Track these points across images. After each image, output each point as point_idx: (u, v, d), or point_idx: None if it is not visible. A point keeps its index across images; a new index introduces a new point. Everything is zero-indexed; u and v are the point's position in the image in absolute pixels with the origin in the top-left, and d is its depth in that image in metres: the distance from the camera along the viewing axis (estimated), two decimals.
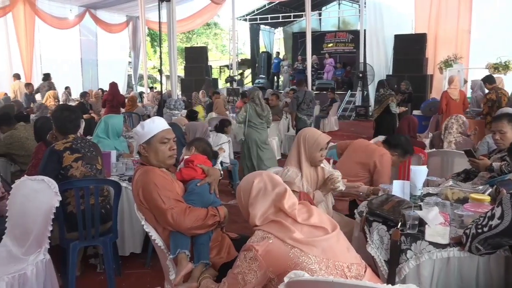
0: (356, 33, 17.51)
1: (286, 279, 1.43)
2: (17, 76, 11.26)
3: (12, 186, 2.74)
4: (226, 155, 5.80)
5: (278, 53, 20.01)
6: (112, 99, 8.92)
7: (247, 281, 1.64)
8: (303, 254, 1.61)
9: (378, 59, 14.15)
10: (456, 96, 7.21)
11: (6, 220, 2.71)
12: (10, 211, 2.69)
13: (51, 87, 11.03)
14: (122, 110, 9.11)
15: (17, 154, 4.35)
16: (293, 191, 2.66)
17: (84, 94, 10.78)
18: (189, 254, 2.09)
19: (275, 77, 18.67)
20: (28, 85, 11.42)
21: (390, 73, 12.87)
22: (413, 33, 13.26)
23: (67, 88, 12.30)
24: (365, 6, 14.80)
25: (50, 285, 2.58)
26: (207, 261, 2.10)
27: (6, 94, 11.17)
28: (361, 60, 14.37)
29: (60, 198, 2.58)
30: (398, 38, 12.62)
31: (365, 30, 14.62)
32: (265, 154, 5.96)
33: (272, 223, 1.73)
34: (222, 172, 2.47)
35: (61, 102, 10.38)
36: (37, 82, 12.97)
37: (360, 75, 13.76)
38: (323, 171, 2.82)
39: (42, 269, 2.53)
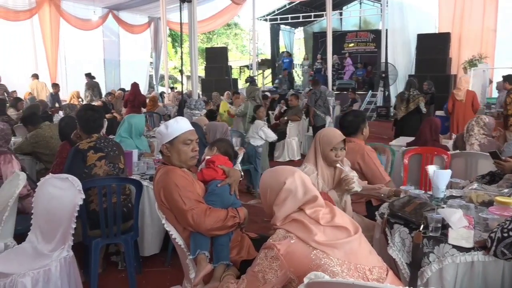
0: (377, 33, 17.29)
1: (306, 280, 1.42)
2: (35, 76, 11.49)
3: (37, 184, 2.81)
4: (271, 135, 6.15)
5: (288, 52, 19.77)
6: (134, 99, 9.05)
7: (267, 280, 1.63)
8: (325, 256, 1.60)
9: (400, 58, 13.97)
10: (461, 97, 7.15)
11: (32, 217, 2.78)
12: (35, 208, 2.76)
13: (95, 87, 11.47)
14: (144, 110, 9.24)
15: (42, 152, 4.46)
16: None
17: (108, 94, 10.98)
18: (209, 255, 2.10)
19: (287, 76, 18.53)
20: (55, 85, 11.72)
21: (412, 73, 12.66)
22: (437, 32, 13.02)
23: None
24: (387, 6, 14.61)
25: (74, 281, 2.63)
26: (227, 262, 2.10)
27: (31, 94, 11.47)
28: (383, 60, 14.19)
29: (84, 196, 2.64)
30: (421, 38, 12.40)
31: (386, 30, 14.44)
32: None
33: (294, 223, 1.71)
34: (242, 173, 2.47)
35: (85, 102, 10.63)
36: (61, 82, 13.30)
37: (383, 75, 13.58)
38: (340, 171, 2.80)
39: (66, 266, 2.59)
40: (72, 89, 12.24)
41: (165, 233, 3.45)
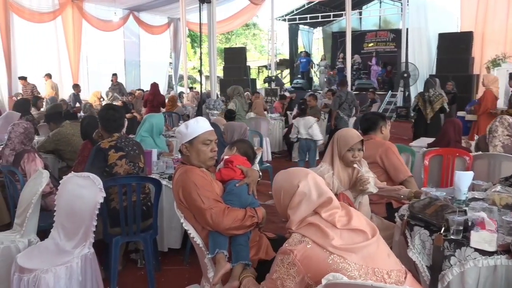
0: (397, 32, 17.07)
1: (324, 281, 1.42)
2: (49, 76, 11.65)
3: (59, 182, 2.87)
4: (318, 134, 6.35)
5: (306, 52, 19.65)
6: (153, 99, 9.15)
7: (285, 286, 1.61)
8: (342, 261, 1.57)
9: (421, 58, 13.75)
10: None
11: (54, 214, 2.84)
12: (58, 205, 2.82)
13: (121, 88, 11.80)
14: (163, 110, 9.33)
15: (64, 150, 4.55)
16: None
17: (128, 94, 11.15)
18: (227, 254, 2.10)
19: (304, 76, 18.41)
20: (76, 86, 11.95)
21: (434, 72, 12.46)
22: (459, 31, 12.77)
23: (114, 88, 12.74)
24: (407, 4, 14.40)
25: (94, 278, 2.68)
26: (246, 261, 2.10)
27: (54, 94, 11.71)
28: (403, 59, 14.00)
29: (105, 195, 2.68)
30: (443, 37, 12.19)
31: (407, 29, 14.23)
32: None
33: (310, 226, 1.68)
34: (261, 173, 2.48)
35: (106, 101, 10.80)
36: (83, 82, 13.56)
37: (405, 75, 13.37)
38: (357, 172, 2.78)
39: (87, 262, 2.63)
40: (94, 89, 12.50)
41: (184, 231, 3.49)
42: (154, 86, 9.46)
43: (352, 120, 8.17)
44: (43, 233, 2.99)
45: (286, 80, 20.90)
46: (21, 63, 11.57)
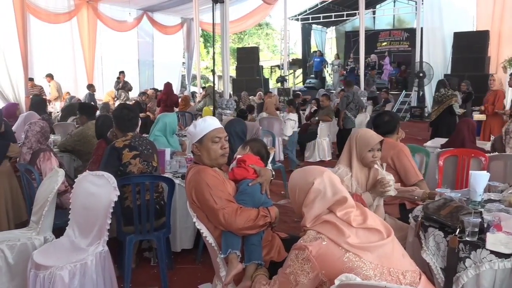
0: (411, 31, 16.89)
1: (337, 282, 1.41)
2: (51, 77, 11.54)
3: (74, 180, 2.91)
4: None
5: (320, 51, 19.54)
6: (167, 99, 9.21)
7: (298, 282, 1.61)
8: (358, 259, 1.56)
9: (435, 58, 13.57)
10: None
11: (69, 212, 2.88)
12: (73, 204, 2.86)
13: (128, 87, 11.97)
14: (176, 109, 9.38)
15: (83, 150, 4.60)
16: None
17: (142, 94, 11.22)
18: (240, 254, 2.11)
19: (317, 76, 18.31)
20: (90, 86, 12.08)
21: (448, 72, 12.30)
22: (475, 30, 12.58)
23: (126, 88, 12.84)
24: (422, 3, 14.24)
25: (108, 275, 2.71)
26: (259, 261, 2.10)
27: (69, 93, 11.86)
28: (417, 59, 13.85)
29: (119, 193, 2.71)
30: (458, 36, 12.03)
31: (422, 28, 14.08)
32: None
33: (325, 224, 1.68)
34: (273, 173, 2.47)
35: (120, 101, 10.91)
36: (97, 82, 13.71)
37: (421, 74, 13.21)
38: (375, 173, 2.75)
39: (101, 260, 2.66)
40: (108, 89, 12.63)
41: (197, 230, 3.51)
42: (168, 85, 9.53)
43: (362, 119, 8.18)
44: (58, 230, 3.03)
45: (298, 79, 20.84)
46: (37, 63, 11.74)
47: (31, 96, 7.56)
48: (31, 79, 10.77)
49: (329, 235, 1.62)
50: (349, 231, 1.63)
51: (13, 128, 4.99)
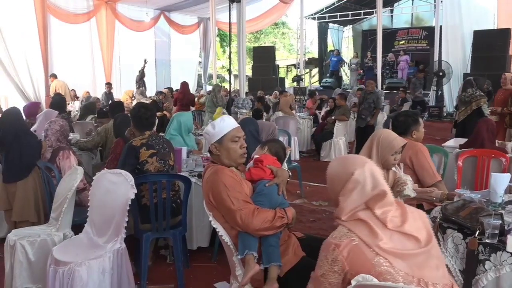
0: (430, 30, 16.65)
1: (353, 282, 1.40)
2: (54, 76, 11.37)
3: (93, 178, 2.96)
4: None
5: (337, 50, 19.37)
6: (183, 98, 9.28)
7: (331, 283, 1.54)
8: (388, 265, 1.49)
9: (455, 56, 13.36)
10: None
11: (88, 209, 2.93)
12: (91, 201, 2.90)
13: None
14: (192, 108, 9.44)
15: (107, 146, 4.69)
16: None
17: (159, 93, 11.33)
18: (257, 255, 2.10)
19: (334, 75, 18.14)
20: (107, 84, 12.25)
21: (468, 71, 12.10)
22: (495, 28, 12.34)
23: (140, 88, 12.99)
24: (441, 1, 14.02)
25: (125, 272, 2.74)
26: (279, 263, 2.09)
27: (88, 93, 12.04)
28: (436, 58, 13.63)
29: (136, 191, 2.73)
30: (478, 34, 11.83)
31: (441, 26, 13.86)
32: None
33: (359, 222, 1.58)
34: (290, 174, 2.46)
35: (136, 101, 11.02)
36: (115, 81, 13.89)
37: (440, 73, 13.00)
38: (394, 175, 2.72)
39: (119, 257, 2.69)
40: (126, 88, 12.78)
41: (213, 229, 3.52)
42: (184, 85, 9.60)
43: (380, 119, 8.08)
44: (77, 227, 3.07)
45: (315, 79, 20.75)
46: (57, 63, 11.95)
47: (51, 95, 7.70)
48: (54, 75, 11.00)
49: (360, 235, 1.54)
50: (383, 234, 1.54)
51: (35, 126, 5.10)
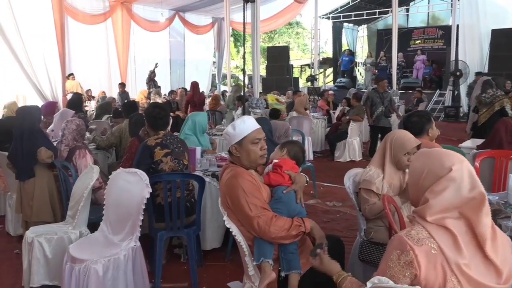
0: (446, 29, 16.39)
1: (369, 284, 1.37)
2: (72, 76, 11.69)
3: (108, 177, 3.00)
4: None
5: (349, 50, 19.16)
6: (193, 98, 9.25)
7: (398, 283, 1.41)
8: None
9: (472, 56, 13.15)
10: None
11: (103, 208, 2.97)
12: (107, 200, 2.93)
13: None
14: (206, 108, 9.45)
15: (122, 146, 4.75)
16: (371, 191, 2.59)
17: (171, 93, 11.39)
18: (273, 263, 2.09)
19: (345, 75, 17.96)
20: (120, 84, 12.37)
21: (486, 71, 11.90)
22: None
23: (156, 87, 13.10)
24: (458, 0, 13.82)
25: (140, 270, 2.77)
26: (299, 270, 2.08)
27: (104, 93, 12.20)
28: (452, 57, 13.44)
29: (151, 190, 2.76)
30: (496, 33, 11.66)
31: (457, 26, 13.66)
32: None
33: (444, 231, 1.39)
34: (308, 179, 2.44)
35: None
36: (130, 81, 14.04)
37: (458, 73, 12.80)
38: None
39: (133, 255, 2.72)
40: (141, 88, 12.91)
41: (226, 228, 3.53)
42: (193, 86, 9.41)
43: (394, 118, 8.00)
44: (93, 225, 3.12)
45: (329, 78, 20.65)
46: (74, 63, 12.14)
47: (68, 94, 7.81)
48: (72, 75, 11.14)
49: (442, 246, 1.37)
50: (468, 253, 1.36)
51: (51, 126, 5.18)
